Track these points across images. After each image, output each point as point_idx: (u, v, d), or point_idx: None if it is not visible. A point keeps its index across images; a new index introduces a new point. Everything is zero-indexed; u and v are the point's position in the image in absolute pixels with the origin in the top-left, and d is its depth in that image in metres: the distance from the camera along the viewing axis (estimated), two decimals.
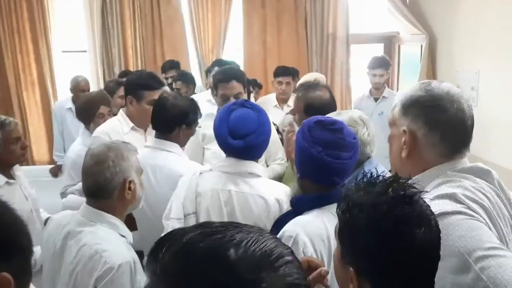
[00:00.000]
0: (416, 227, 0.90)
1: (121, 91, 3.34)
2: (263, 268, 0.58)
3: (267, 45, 5.57)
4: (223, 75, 2.73)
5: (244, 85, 2.72)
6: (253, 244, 0.60)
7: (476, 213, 1.11)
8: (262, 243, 0.60)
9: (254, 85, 4.82)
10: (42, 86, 5.26)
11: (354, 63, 5.83)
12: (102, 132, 2.54)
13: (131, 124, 2.60)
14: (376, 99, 4.44)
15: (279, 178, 2.79)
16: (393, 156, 1.36)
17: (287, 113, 3.47)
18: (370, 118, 4.38)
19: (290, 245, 1.32)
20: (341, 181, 1.53)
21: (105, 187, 1.61)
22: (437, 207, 1.10)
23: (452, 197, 1.14)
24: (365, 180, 0.99)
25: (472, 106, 1.28)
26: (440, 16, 4.99)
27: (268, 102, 4.11)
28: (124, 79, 3.80)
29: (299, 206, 1.54)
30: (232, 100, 2.61)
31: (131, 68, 5.32)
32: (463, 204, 1.12)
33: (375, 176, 0.99)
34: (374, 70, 4.38)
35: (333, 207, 1.49)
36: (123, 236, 1.65)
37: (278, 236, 1.40)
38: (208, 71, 4.02)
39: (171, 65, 4.67)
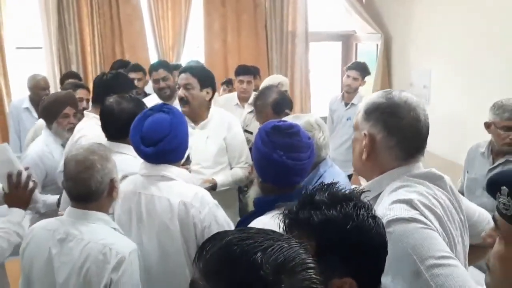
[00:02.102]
0: (381, 228, 0.99)
1: (79, 93, 3.30)
2: (284, 271, 0.68)
3: (227, 43, 5.62)
4: (183, 67, 2.95)
5: (200, 80, 2.75)
6: (278, 250, 0.70)
7: (429, 220, 1.20)
8: (287, 250, 0.71)
9: (227, 83, 4.86)
10: None
11: (313, 60, 5.98)
12: (95, 138, 2.36)
13: None
14: (346, 104, 4.40)
15: (240, 181, 2.83)
16: (355, 158, 1.44)
17: (248, 112, 3.55)
18: (340, 122, 4.54)
19: None
20: (301, 181, 1.60)
21: (96, 190, 1.68)
22: (395, 211, 1.20)
23: (409, 203, 1.21)
24: (325, 194, 1.02)
25: (426, 112, 1.37)
26: (395, 16, 5.18)
27: (229, 100, 4.16)
28: (77, 81, 3.74)
29: (260, 207, 1.60)
30: (182, 90, 2.73)
31: (89, 66, 5.23)
32: (418, 210, 1.20)
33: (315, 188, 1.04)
34: (349, 71, 4.34)
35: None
36: (115, 229, 1.75)
37: None
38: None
39: (121, 65, 4.56)
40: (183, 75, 2.76)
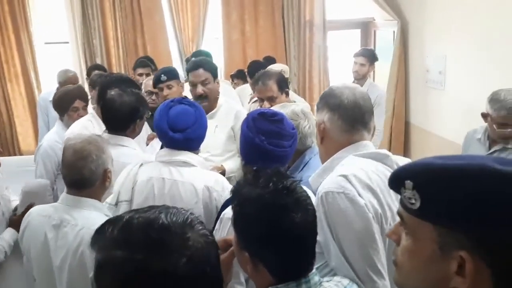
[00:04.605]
0: (294, 213, 1.06)
1: None
2: (186, 226, 0.85)
3: (245, 33, 5.71)
4: (192, 64, 2.94)
5: (212, 73, 2.86)
6: (174, 214, 0.87)
7: (359, 193, 1.36)
8: (179, 213, 0.88)
9: (236, 77, 4.97)
10: (25, 78, 5.36)
11: (331, 49, 5.99)
12: (76, 133, 2.46)
13: (104, 127, 2.49)
14: None
15: None
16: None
17: (253, 102, 3.65)
18: None
19: (228, 226, 1.52)
20: (281, 166, 1.70)
21: (89, 178, 1.78)
22: (329, 184, 1.38)
23: (345, 177, 1.38)
24: (252, 174, 1.15)
25: (368, 95, 1.59)
26: (411, 2, 5.13)
27: (243, 91, 4.27)
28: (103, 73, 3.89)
29: None
30: (200, 86, 2.80)
31: (113, 59, 5.45)
32: (351, 183, 1.36)
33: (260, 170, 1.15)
34: (356, 58, 4.35)
35: None
36: (107, 216, 1.82)
37: (219, 218, 1.59)
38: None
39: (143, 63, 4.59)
40: (197, 72, 2.81)
